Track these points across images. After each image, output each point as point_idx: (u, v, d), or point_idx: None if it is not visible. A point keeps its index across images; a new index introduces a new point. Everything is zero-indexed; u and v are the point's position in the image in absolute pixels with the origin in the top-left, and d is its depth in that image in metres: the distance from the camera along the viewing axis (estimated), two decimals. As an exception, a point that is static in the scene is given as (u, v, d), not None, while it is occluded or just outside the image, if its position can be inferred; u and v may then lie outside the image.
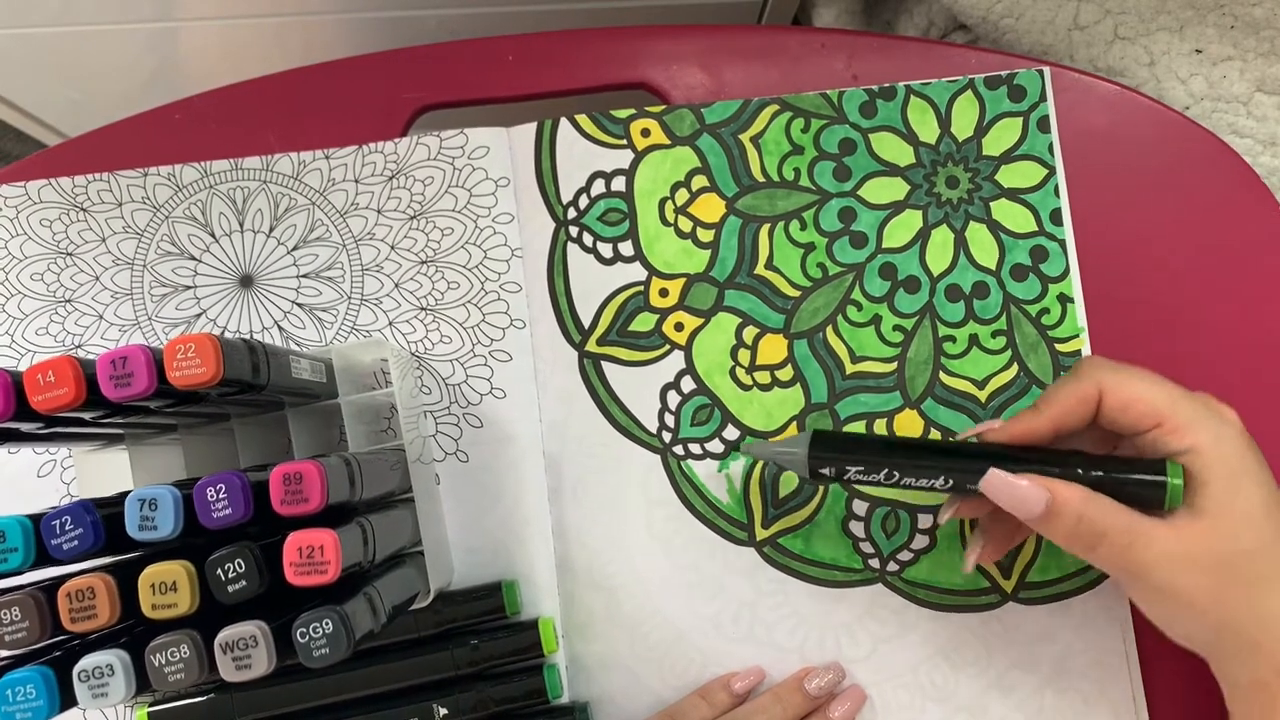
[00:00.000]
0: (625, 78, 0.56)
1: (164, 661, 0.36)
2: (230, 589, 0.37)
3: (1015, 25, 0.62)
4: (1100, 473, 0.41)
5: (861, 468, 0.44)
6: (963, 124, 0.54)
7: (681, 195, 0.54)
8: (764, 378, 0.53)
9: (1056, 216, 0.53)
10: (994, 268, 0.53)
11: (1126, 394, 0.41)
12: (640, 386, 0.53)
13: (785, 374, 0.53)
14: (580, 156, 0.54)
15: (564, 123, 0.55)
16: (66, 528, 0.37)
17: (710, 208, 0.54)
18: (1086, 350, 0.52)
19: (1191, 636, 0.42)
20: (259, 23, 0.77)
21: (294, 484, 0.37)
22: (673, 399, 0.53)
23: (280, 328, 0.54)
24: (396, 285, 0.54)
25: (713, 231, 0.54)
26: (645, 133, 0.54)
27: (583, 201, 0.54)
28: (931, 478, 0.43)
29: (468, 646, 0.50)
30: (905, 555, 0.52)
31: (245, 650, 0.36)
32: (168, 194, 0.55)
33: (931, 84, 0.54)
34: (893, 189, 0.54)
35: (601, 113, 0.55)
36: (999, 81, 0.54)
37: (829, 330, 0.53)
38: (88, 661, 0.36)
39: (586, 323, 0.54)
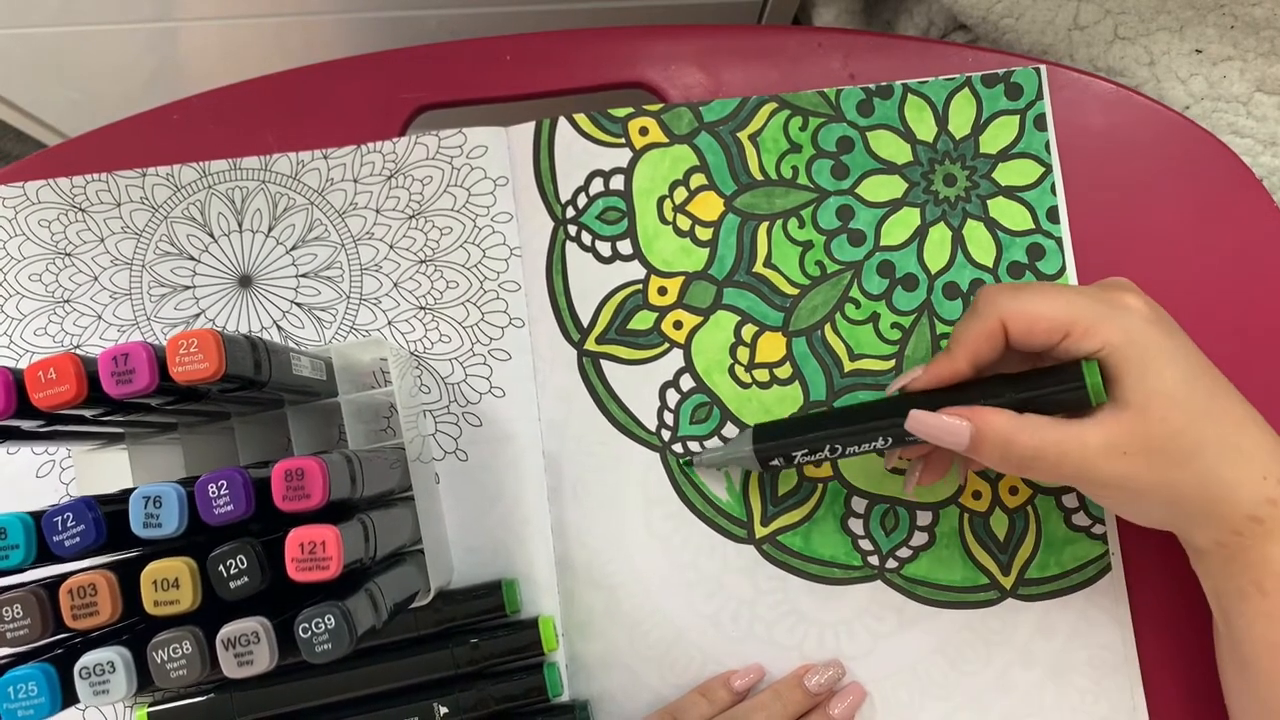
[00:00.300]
0: (624, 77, 0.56)
1: (166, 658, 0.36)
2: (232, 585, 0.37)
3: (1015, 25, 0.62)
4: (1024, 393, 0.43)
5: (805, 450, 0.47)
6: (960, 122, 0.54)
7: (680, 193, 0.54)
8: (763, 375, 0.53)
9: (1053, 214, 0.53)
10: (991, 265, 0.53)
11: (1028, 316, 0.43)
12: (639, 385, 0.53)
13: (784, 372, 0.53)
14: (579, 155, 0.54)
15: (562, 122, 0.55)
16: (68, 524, 0.37)
17: (709, 206, 0.54)
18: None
19: (1150, 518, 0.45)
20: (259, 23, 0.77)
21: (296, 480, 0.37)
22: (672, 397, 0.53)
23: (279, 327, 0.54)
24: (395, 284, 0.54)
25: (711, 230, 0.54)
26: (644, 131, 0.54)
27: (581, 200, 0.54)
28: (871, 440, 0.46)
29: (468, 645, 0.50)
30: (904, 552, 0.52)
31: (247, 646, 0.36)
32: (166, 194, 0.55)
33: (929, 82, 0.54)
34: (890, 187, 0.54)
35: (600, 112, 0.55)
36: (996, 80, 0.54)
37: (827, 328, 0.53)
38: (89, 658, 0.36)
39: (585, 321, 0.54)
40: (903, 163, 0.54)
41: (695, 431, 0.53)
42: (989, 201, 0.53)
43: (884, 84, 0.54)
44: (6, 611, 0.37)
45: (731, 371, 0.53)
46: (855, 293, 0.53)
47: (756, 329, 0.53)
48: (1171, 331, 0.43)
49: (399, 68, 0.56)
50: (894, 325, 0.53)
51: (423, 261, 0.54)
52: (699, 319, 0.54)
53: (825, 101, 0.54)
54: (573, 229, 0.54)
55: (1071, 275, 0.53)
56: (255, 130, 0.56)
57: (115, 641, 0.37)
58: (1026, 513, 0.52)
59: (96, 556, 0.38)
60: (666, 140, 0.54)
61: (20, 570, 0.37)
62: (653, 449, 0.53)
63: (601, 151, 0.54)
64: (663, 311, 0.54)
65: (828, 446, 0.47)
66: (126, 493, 0.37)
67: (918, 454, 0.49)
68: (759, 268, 0.54)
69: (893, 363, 0.53)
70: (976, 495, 0.52)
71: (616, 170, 0.54)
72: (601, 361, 0.54)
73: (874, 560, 0.52)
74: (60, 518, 0.37)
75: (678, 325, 0.54)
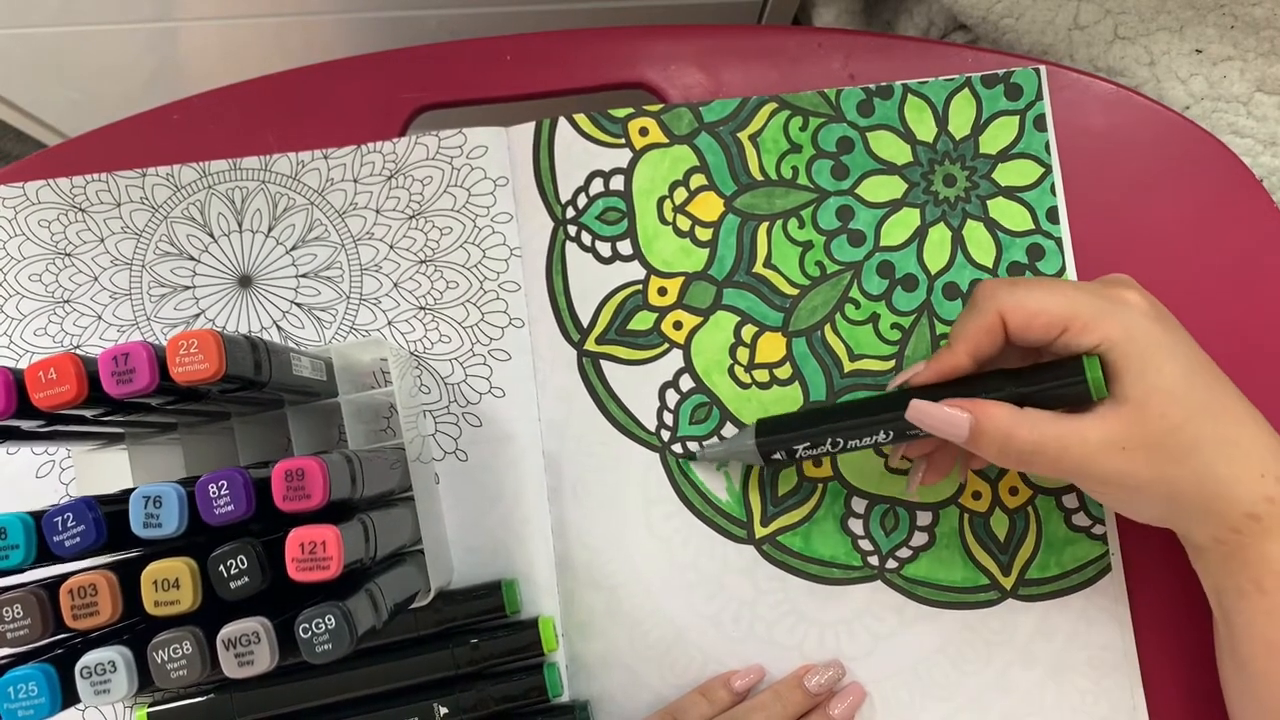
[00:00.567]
0: (624, 78, 0.56)
1: (166, 658, 0.36)
2: (232, 585, 0.37)
3: (1015, 25, 0.62)
4: (1025, 387, 0.43)
5: (808, 443, 0.47)
6: (960, 122, 0.54)
7: (680, 194, 0.54)
8: (763, 376, 0.53)
9: (1053, 215, 0.53)
10: (991, 266, 0.53)
11: (1027, 310, 0.43)
12: (639, 385, 0.53)
13: (784, 372, 0.53)
14: (579, 156, 0.54)
15: (562, 122, 0.55)
16: (68, 524, 0.37)
17: (708, 206, 0.54)
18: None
19: (1149, 514, 0.44)
20: (259, 23, 0.77)
21: (296, 480, 0.37)
22: (671, 397, 0.53)
23: (279, 327, 0.54)
24: (395, 285, 0.54)
25: (711, 230, 0.54)
26: (644, 131, 0.54)
27: (581, 200, 0.54)
28: (873, 434, 0.46)
29: (468, 645, 0.50)
30: (904, 552, 0.52)
31: (248, 646, 0.36)
32: (166, 194, 0.55)
33: (928, 83, 0.54)
34: (890, 187, 0.54)
35: (600, 112, 0.55)
36: (996, 80, 0.54)
37: (827, 328, 0.53)
38: (90, 658, 0.36)
39: (585, 321, 0.54)
40: (903, 163, 0.54)
41: (695, 431, 0.53)
42: (989, 202, 0.53)
43: (884, 84, 0.54)
44: (7, 612, 0.37)
45: (731, 372, 0.53)
46: (855, 293, 0.53)
47: (756, 329, 0.53)
48: (1171, 328, 0.43)
49: (399, 68, 0.56)
50: (894, 325, 0.53)
51: (423, 262, 0.54)
52: (699, 319, 0.54)
53: (825, 102, 0.54)
54: (573, 229, 0.54)
55: (1071, 275, 0.53)
56: (255, 130, 0.56)
57: (116, 641, 0.37)
58: (1027, 513, 0.52)
59: (97, 557, 0.38)
60: (666, 140, 0.54)
61: (20, 570, 0.38)
62: (653, 449, 0.53)
63: (601, 152, 0.54)
64: (662, 312, 0.54)
65: (829, 440, 0.47)
66: (127, 493, 0.37)
67: (920, 452, 0.49)
68: (759, 268, 0.54)
69: (892, 363, 0.53)
70: (976, 495, 0.52)
71: (616, 170, 0.54)
72: (601, 362, 0.54)
73: (874, 560, 0.52)
74: (60, 518, 0.37)
75: (677, 325, 0.54)
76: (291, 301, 0.54)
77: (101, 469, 0.49)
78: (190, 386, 0.37)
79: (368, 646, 0.51)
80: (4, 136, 1.23)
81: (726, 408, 0.53)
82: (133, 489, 0.37)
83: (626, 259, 0.54)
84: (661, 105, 0.55)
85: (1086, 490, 0.45)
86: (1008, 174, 0.53)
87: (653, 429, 0.53)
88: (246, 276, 0.55)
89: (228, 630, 0.36)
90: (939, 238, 0.53)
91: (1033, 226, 0.53)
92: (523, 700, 0.50)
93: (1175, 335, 0.42)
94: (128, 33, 0.78)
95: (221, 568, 0.37)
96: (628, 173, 0.54)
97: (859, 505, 0.53)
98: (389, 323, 0.54)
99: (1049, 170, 0.53)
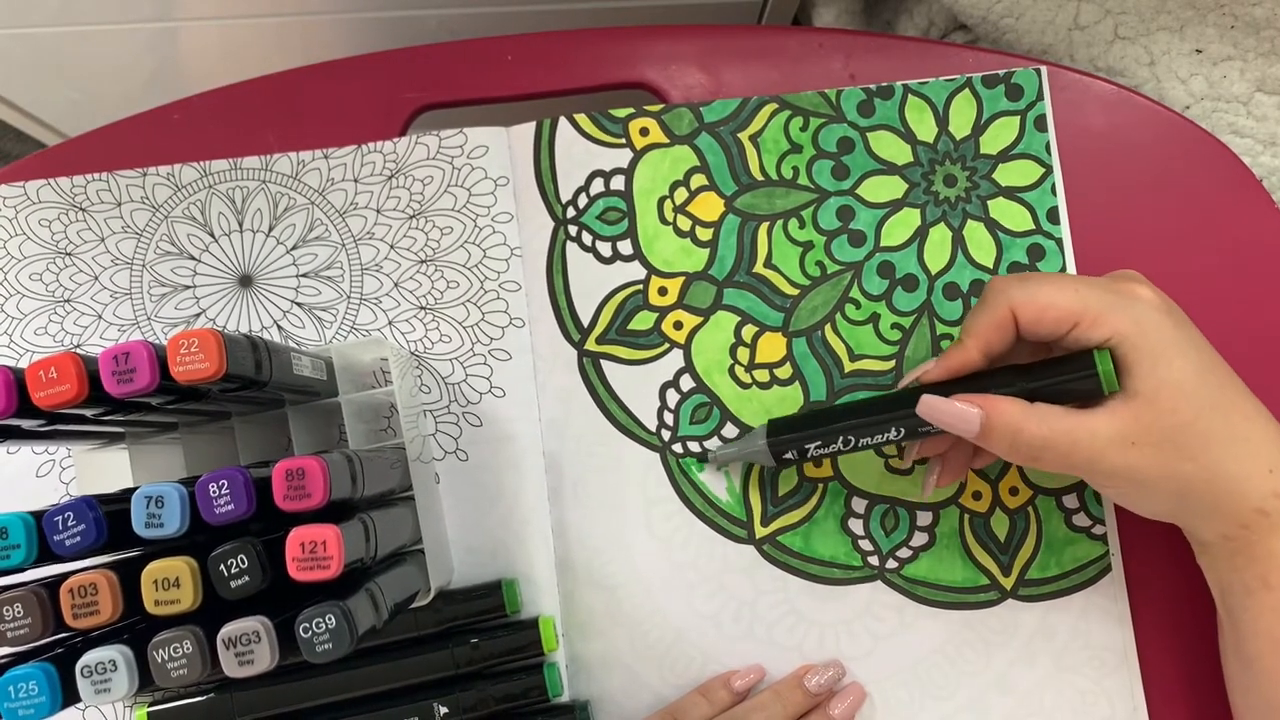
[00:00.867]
0: (624, 78, 0.56)
1: (167, 657, 0.36)
2: (233, 585, 0.37)
3: (1015, 25, 0.62)
4: (1036, 382, 0.43)
5: (819, 442, 0.47)
6: (960, 123, 0.54)
7: (680, 194, 0.54)
8: (763, 376, 0.53)
9: (1053, 215, 0.53)
10: (992, 266, 0.53)
11: (1037, 305, 0.43)
12: (639, 385, 0.53)
13: (784, 372, 0.53)
14: (579, 156, 0.54)
15: (563, 122, 0.55)
16: (69, 524, 0.37)
17: (709, 206, 0.54)
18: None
19: (1156, 510, 0.45)
20: (259, 23, 0.77)
21: (297, 479, 0.37)
22: (672, 397, 0.53)
23: (279, 327, 0.54)
24: (396, 284, 0.54)
25: (711, 230, 0.54)
26: (644, 132, 0.54)
27: (582, 200, 0.54)
28: (885, 431, 0.46)
29: (468, 645, 0.50)
30: (904, 553, 0.52)
31: (248, 646, 0.36)
32: (167, 194, 0.55)
33: (929, 83, 0.54)
34: (891, 187, 0.54)
35: (600, 112, 0.55)
36: (996, 80, 0.54)
37: (828, 328, 0.53)
38: (90, 657, 0.36)
39: (586, 321, 0.54)
40: (903, 163, 0.54)
41: (695, 432, 0.53)
42: (989, 202, 0.53)
43: (884, 85, 0.54)
44: (7, 611, 0.37)
45: (731, 372, 0.53)
46: (855, 293, 0.53)
47: (757, 329, 0.53)
48: (1181, 323, 0.43)
49: (399, 68, 0.56)
50: (894, 326, 0.53)
51: (423, 261, 0.54)
52: (699, 319, 0.54)
53: (826, 102, 0.54)
54: (573, 229, 0.54)
55: (1072, 276, 0.53)
56: (256, 130, 0.56)
57: (116, 641, 0.37)
58: (1027, 513, 0.52)
59: (97, 556, 0.38)
60: (667, 141, 0.54)
61: (21, 570, 0.37)
62: (653, 449, 0.53)
63: (602, 152, 0.54)
64: (663, 312, 0.54)
65: (841, 438, 0.47)
66: (127, 492, 0.37)
67: (934, 451, 0.49)
68: (759, 268, 0.54)
69: (893, 363, 0.53)
70: (977, 496, 0.52)
71: (617, 170, 0.54)
72: (602, 361, 0.54)
73: (874, 560, 0.52)
74: (61, 517, 0.37)
75: (678, 325, 0.54)
76: (292, 301, 0.54)
77: (102, 468, 0.49)
78: (191, 386, 0.37)
79: (368, 646, 0.51)
80: (4, 136, 1.23)
81: (727, 408, 0.53)
82: (133, 488, 0.37)
83: (627, 259, 0.54)
84: (662, 105, 0.55)
85: (1095, 485, 0.45)
86: (1008, 174, 0.53)
87: (653, 429, 0.53)
88: (247, 276, 0.55)
89: (228, 629, 0.36)
90: (939, 238, 0.53)
91: (1033, 227, 0.53)
92: (523, 700, 0.50)
93: (1185, 330, 0.43)
94: (128, 33, 0.78)
95: (222, 567, 0.37)
96: (628, 173, 0.54)
97: (859, 505, 0.53)
98: (389, 322, 0.54)
99: (1050, 171, 0.53)
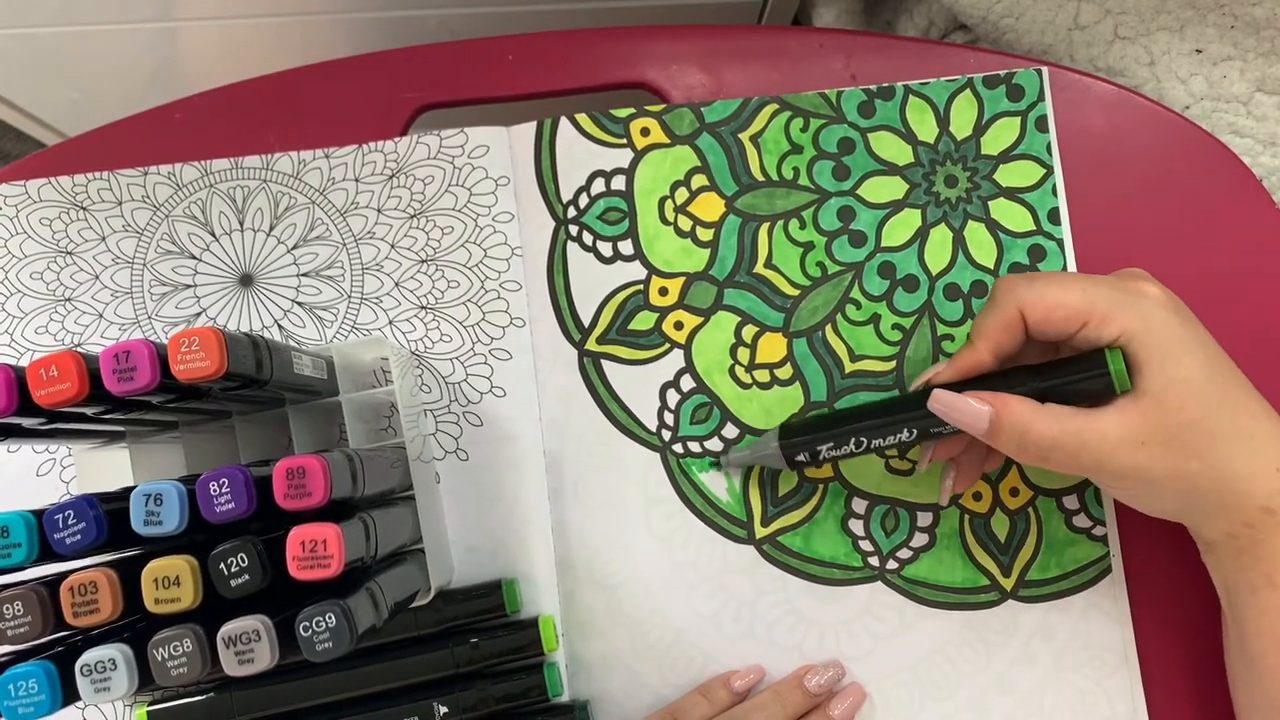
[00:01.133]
0: (625, 78, 0.56)
1: (166, 656, 0.36)
2: (233, 583, 0.37)
3: (1015, 25, 0.62)
4: (1046, 382, 0.43)
5: (831, 444, 0.47)
6: (961, 123, 0.54)
7: (681, 194, 0.54)
8: (763, 376, 0.53)
9: (1054, 216, 0.53)
10: (992, 266, 0.53)
11: (1045, 305, 0.43)
12: (640, 385, 0.53)
13: (784, 372, 0.53)
14: (580, 155, 0.54)
15: (564, 122, 0.55)
16: (69, 522, 0.37)
17: (710, 206, 0.54)
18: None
19: (1162, 509, 0.44)
20: (259, 23, 0.77)
21: (297, 478, 0.37)
22: (672, 397, 0.53)
23: (280, 326, 0.54)
24: (396, 284, 0.54)
25: (712, 230, 0.54)
26: (645, 132, 0.54)
27: (582, 200, 0.54)
28: (897, 432, 0.46)
29: (468, 645, 0.50)
30: (905, 553, 0.52)
31: (248, 644, 0.36)
32: (168, 193, 0.55)
33: (930, 83, 0.54)
34: (891, 188, 0.54)
35: (601, 112, 0.55)
36: (997, 81, 0.54)
37: (828, 329, 0.53)
38: (90, 656, 0.36)
39: (586, 321, 0.54)
40: (904, 164, 0.54)
41: (695, 432, 0.53)
42: (990, 203, 0.53)
43: (885, 85, 0.54)
44: (7, 609, 0.37)
45: (732, 372, 0.53)
46: (856, 294, 0.53)
47: (757, 330, 0.53)
48: (1189, 321, 0.43)
49: (400, 68, 0.56)
50: (895, 326, 0.53)
51: (424, 261, 0.54)
52: (700, 319, 0.54)
53: (826, 103, 0.54)
54: (574, 229, 0.54)
55: (1072, 276, 0.53)
56: (257, 129, 0.56)
57: (116, 639, 0.37)
58: (1027, 514, 0.52)
59: (97, 554, 0.38)
60: (668, 141, 0.54)
61: (21, 568, 0.37)
62: (653, 449, 0.53)
63: (603, 152, 0.54)
64: (663, 312, 0.54)
65: (854, 440, 0.47)
66: (127, 491, 0.37)
67: (947, 455, 0.49)
68: (760, 268, 0.54)
69: (893, 364, 0.53)
70: (977, 496, 0.52)
71: (618, 170, 0.54)
72: (602, 361, 0.54)
73: (874, 561, 0.52)
74: (61, 515, 0.37)
75: (678, 326, 0.54)
76: (293, 300, 0.54)
77: (102, 468, 0.49)
78: (191, 384, 0.37)
79: (368, 646, 0.51)
80: (4, 136, 1.23)
81: (727, 408, 0.53)
82: (133, 487, 0.37)
83: (628, 259, 0.54)
84: (663, 105, 0.55)
85: (1102, 485, 0.45)
86: (1009, 175, 0.54)
87: (653, 429, 0.53)
88: (248, 275, 0.55)
89: (228, 628, 0.36)
90: (940, 238, 0.53)
91: (1034, 227, 0.53)
92: (523, 700, 0.50)
93: (1193, 328, 0.43)
94: (128, 33, 0.78)
95: (222, 565, 0.37)
96: (629, 173, 0.54)
97: (859, 506, 0.53)
98: (390, 322, 0.54)
99: (1050, 171, 0.53)
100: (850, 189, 0.54)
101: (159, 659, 0.36)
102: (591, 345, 0.54)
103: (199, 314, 0.54)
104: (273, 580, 0.37)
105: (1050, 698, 0.51)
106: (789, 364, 0.53)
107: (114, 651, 0.36)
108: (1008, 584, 0.52)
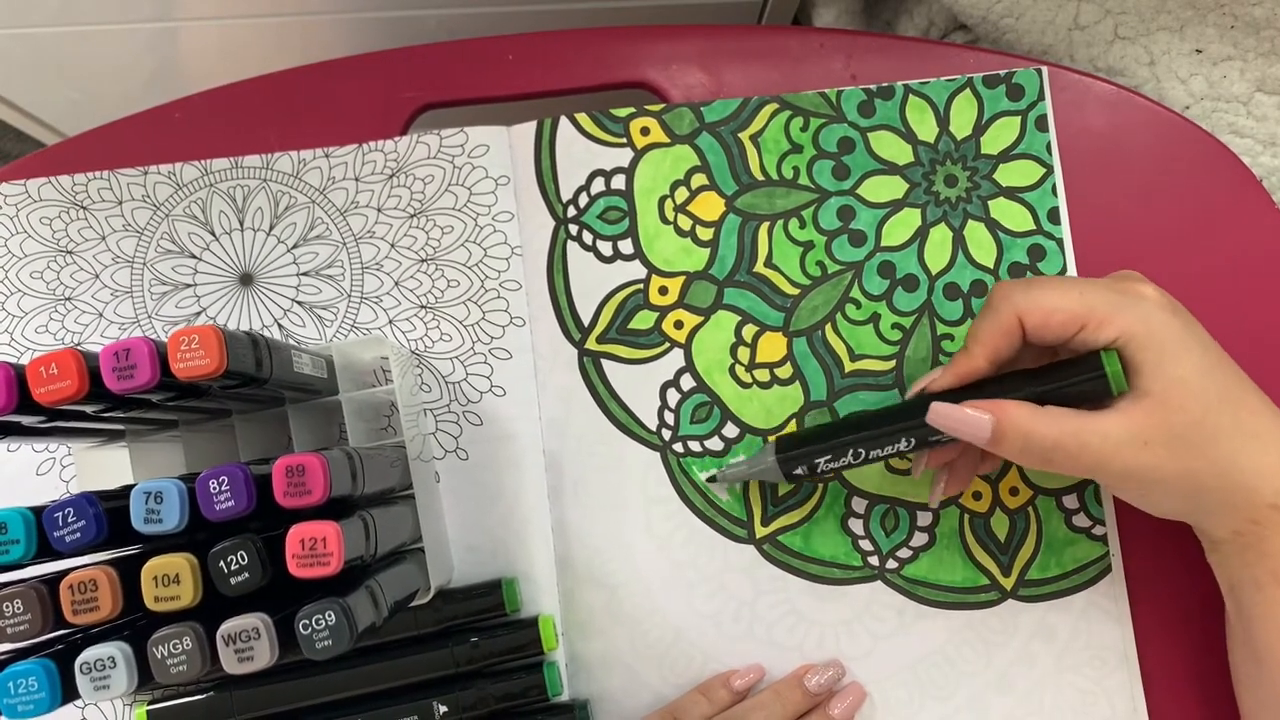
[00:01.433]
0: (625, 77, 0.56)
1: (166, 654, 0.36)
2: (233, 581, 0.37)
3: (1015, 25, 0.62)
4: (1044, 386, 0.43)
5: (829, 456, 0.47)
6: (961, 123, 0.54)
7: (681, 193, 0.54)
8: (763, 375, 0.53)
9: (1054, 215, 0.53)
10: (992, 266, 0.53)
11: (1042, 310, 0.43)
12: (640, 384, 0.53)
13: (784, 372, 0.53)
14: (580, 155, 0.54)
15: (564, 121, 0.55)
16: (69, 520, 0.37)
17: (710, 206, 0.54)
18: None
19: (1167, 509, 0.44)
20: (259, 23, 0.77)
21: (297, 476, 0.37)
22: (672, 397, 0.53)
23: (280, 326, 0.54)
24: (396, 283, 0.54)
25: (712, 230, 0.54)
26: (645, 131, 0.54)
27: (582, 200, 0.54)
28: (894, 442, 0.46)
29: (468, 644, 0.50)
30: (904, 553, 0.52)
31: (248, 642, 0.36)
32: (168, 192, 0.55)
33: (930, 83, 0.54)
34: (891, 187, 0.54)
35: (601, 111, 0.55)
36: (997, 80, 0.54)
37: (828, 328, 0.53)
38: (90, 654, 0.36)
39: (586, 320, 0.54)
40: (904, 163, 0.54)
41: (695, 431, 0.53)
42: (990, 202, 0.53)
43: (885, 85, 0.54)
44: (7, 607, 0.37)
45: (732, 371, 0.53)
46: (856, 293, 0.53)
47: (757, 329, 0.53)
48: (1187, 321, 0.43)
49: (400, 67, 0.57)
50: (894, 326, 0.53)
51: (424, 260, 0.54)
52: (700, 319, 0.54)
53: (826, 102, 0.54)
54: (574, 228, 0.54)
55: (1073, 276, 0.53)
56: (257, 129, 0.56)
57: (116, 637, 0.37)
58: (1027, 514, 0.52)
59: (97, 552, 0.38)
60: (668, 140, 0.54)
61: (21, 566, 0.38)
62: (653, 448, 0.53)
63: (603, 151, 0.54)
64: (663, 311, 0.54)
65: (851, 452, 0.46)
66: (127, 489, 0.37)
67: (942, 461, 0.49)
68: (760, 268, 0.54)
69: (893, 363, 0.53)
70: (977, 496, 0.52)
71: (618, 170, 0.54)
72: (602, 361, 0.54)
73: (874, 561, 0.52)
74: (61, 513, 0.37)
75: (678, 325, 0.54)
76: (293, 300, 0.54)
77: (102, 466, 0.49)
78: (191, 382, 0.37)
79: (368, 645, 0.51)
80: (4, 136, 1.23)
81: (727, 407, 0.53)
82: (133, 485, 0.37)
83: (627, 258, 0.54)
84: (663, 105, 0.55)
85: (1105, 485, 0.45)
86: (1009, 174, 0.54)
87: (653, 428, 0.53)
88: (248, 274, 0.55)
89: (228, 626, 0.36)
90: (940, 238, 0.53)
91: (1034, 227, 0.53)
92: (522, 699, 0.50)
93: (1191, 328, 0.43)
94: (128, 33, 0.78)
95: (222, 563, 0.37)
96: (629, 172, 0.54)
97: (859, 505, 0.53)
98: (390, 321, 0.54)
99: (1050, 171, 0.53)
100: (850, 188, 0.54)
101: (159, 657, 0.36)
102: (591, 344, 0.54)
103: (199, 313, 0.54)
104: (272, 578, 0.37)
105: (1050, 697, 0.51)
106: (789, 363, 0.53)
107: (113, 649, 0.36)
108: (1007, 583, 0.52)
